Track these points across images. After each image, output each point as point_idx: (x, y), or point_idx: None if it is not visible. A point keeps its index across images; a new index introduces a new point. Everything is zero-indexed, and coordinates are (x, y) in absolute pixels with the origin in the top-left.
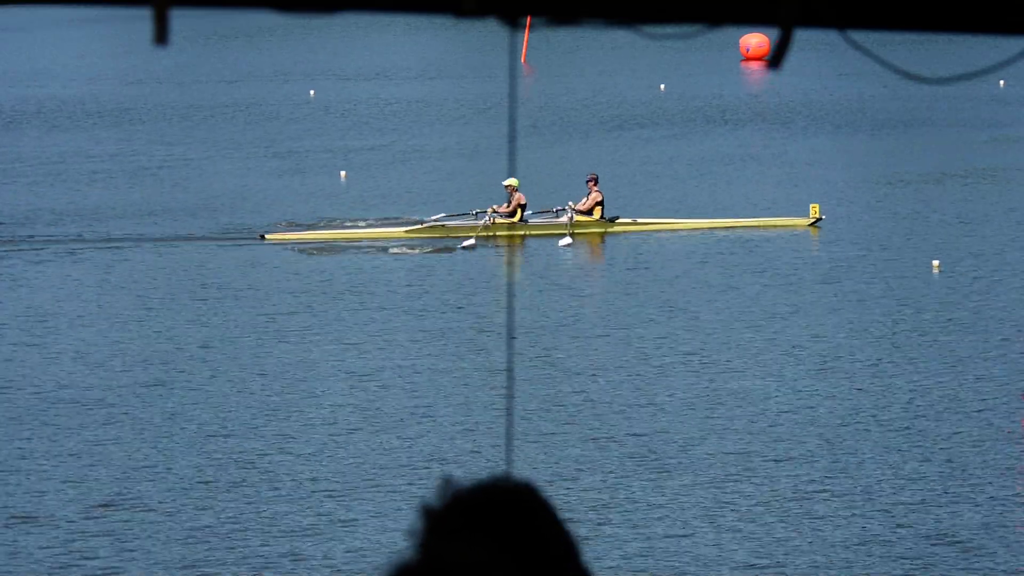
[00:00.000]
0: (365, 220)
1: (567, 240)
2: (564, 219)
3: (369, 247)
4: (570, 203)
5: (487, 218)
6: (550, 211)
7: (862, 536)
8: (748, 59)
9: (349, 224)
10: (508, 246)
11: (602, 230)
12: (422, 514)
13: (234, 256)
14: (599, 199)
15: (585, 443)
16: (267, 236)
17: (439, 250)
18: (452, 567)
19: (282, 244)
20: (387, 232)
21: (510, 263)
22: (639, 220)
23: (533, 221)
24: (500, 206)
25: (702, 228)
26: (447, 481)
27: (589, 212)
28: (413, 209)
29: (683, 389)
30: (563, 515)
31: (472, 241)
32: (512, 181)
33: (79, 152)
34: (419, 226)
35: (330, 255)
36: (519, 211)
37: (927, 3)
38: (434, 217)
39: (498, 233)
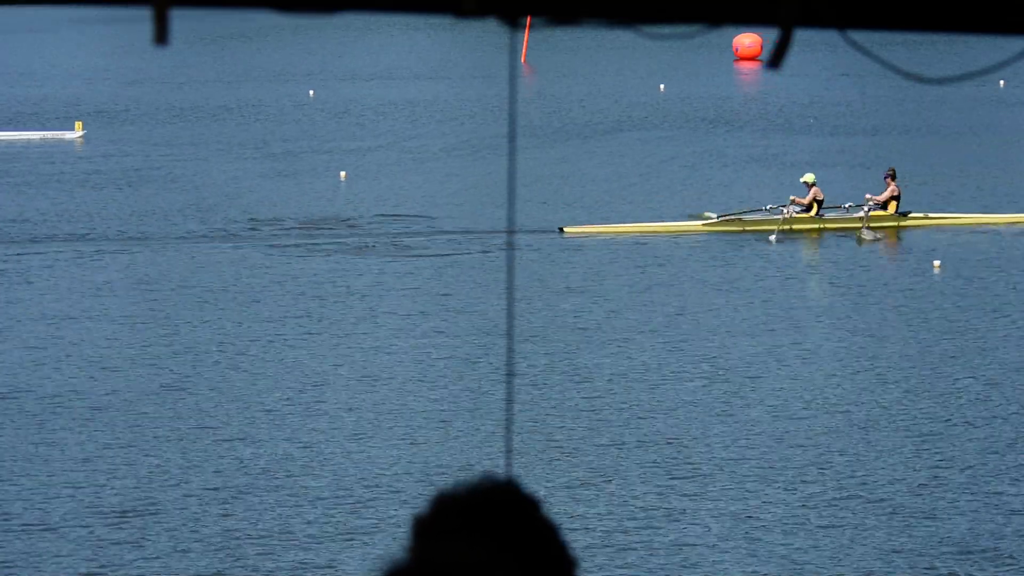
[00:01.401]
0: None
1: (870, 235)
2: (860, 213)
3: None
4: (868, 195)
5: (786, 212)
6: (841, 207)
7: (872, 542)
8: (740, 59)
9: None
10: (807, 240)
11: (895, 224)
12: (413, 520)
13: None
14: (896, 193)
15: (586, 444)
16: (565, 229)
17: (736, 244)
18: (448, 568)
19: (580, 237)
20: (684, 226)
21: (810, 256)
22: (931, 215)
23: (828, 216)
24: (796, 197)
25: (994, 224)
26: (438, 490)
27: (884, 206)
28: (703, 204)
29: (693, 390)
30: (548, 510)
31: (774, 236)
32: (809, 177)
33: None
34: (715, 220)
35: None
36: (815, 205)
37: (927, 3)
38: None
39: (795, 227)
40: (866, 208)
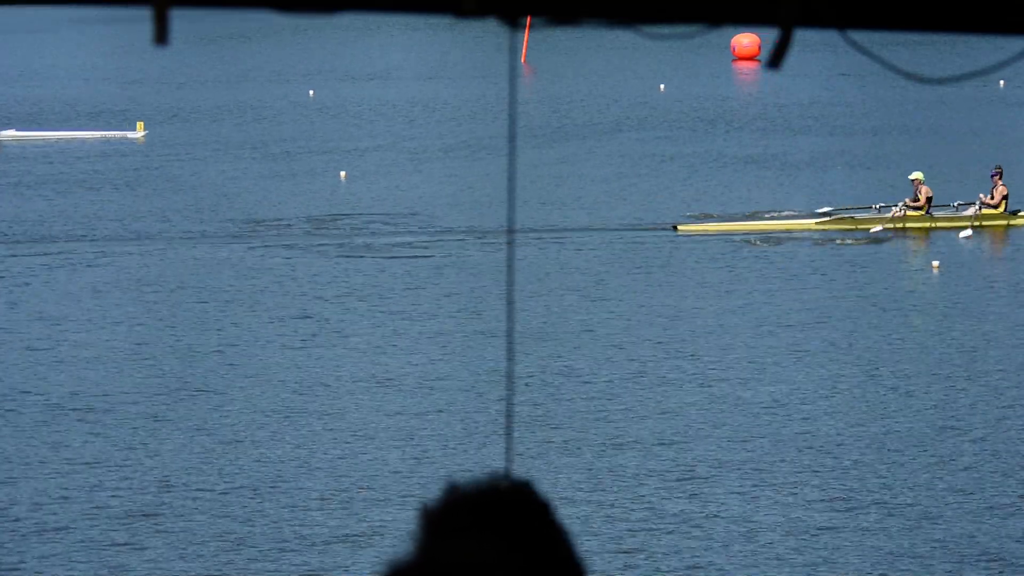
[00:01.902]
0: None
1: (967, 232)
2: (970, 211)
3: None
4: (980, 195)
5: (896, 210)
6: (950, 205)
7: (871, 545)
8: (738, 58)
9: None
10: (915, 237)
11: (1005, 223)
12: (422, 514)
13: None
14: (1005, 192)
15: (586, 444)
16: (679, 227)
17: (847, 241)
18: (456, 567)
19: (696, 235)
20: (797, 223)
21: (916, 253)
22: None
23: (938, 214)
24: (909, 200)
25: None
26: (449, 483)
27: (996, 205)
28: (817, 201)
29: (694, 392)
30: (559, 514)
31: (879, 228)
32: (917, 175)
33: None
34: (828, 218)
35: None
36: (926, 204)
37: (927, 3)
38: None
39: (908, 225)
40: (976, 207)
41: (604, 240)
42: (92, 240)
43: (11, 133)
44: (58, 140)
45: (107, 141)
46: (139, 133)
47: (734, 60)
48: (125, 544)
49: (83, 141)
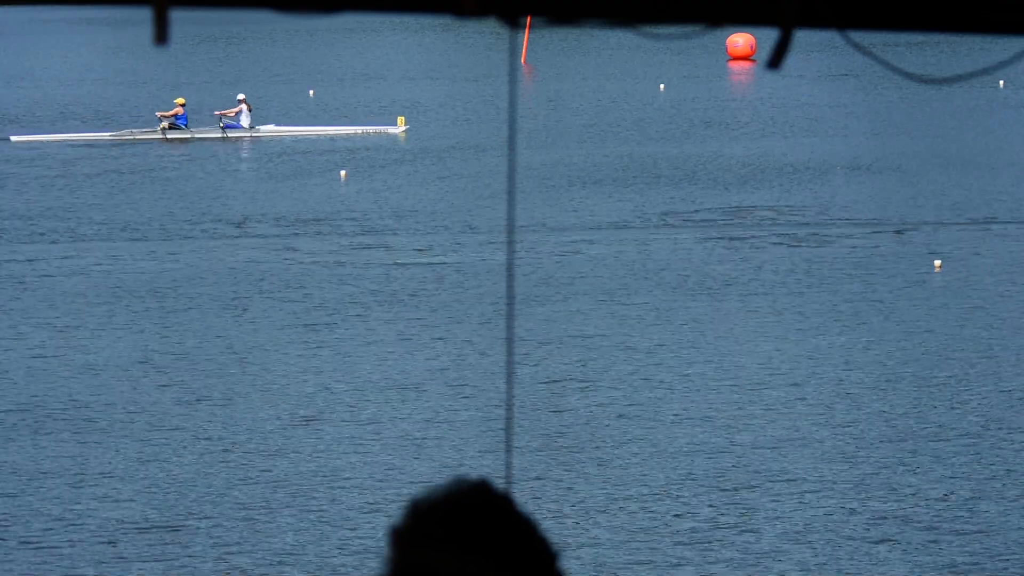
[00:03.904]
0: None
1: None
2: None
3: None
4: None
5: None
6: None
7: (873, 550)
8: (733, 59)
9: None
10: None
11: None
12: (389, 533)
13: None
14: None
15: (588, 447)
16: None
17: None
18: (428, 574)
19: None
20: None
21: None
22: None
23: None
24: None
25: None
26: (411, 499)
27: None
28: None
29: (699, 395)
30: (523, 508)
31: None
32: None
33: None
34: None
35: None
36: None
37: (927, 3)
38: None
39: None
40: None
41: (605, 240)
42: (83, 240)
43: (270, 128)
44: (316, 135)
45: (367, 136)
46: (400, 128)
47: (729, 61)
48: (132, 553)
49: (344, 137)
